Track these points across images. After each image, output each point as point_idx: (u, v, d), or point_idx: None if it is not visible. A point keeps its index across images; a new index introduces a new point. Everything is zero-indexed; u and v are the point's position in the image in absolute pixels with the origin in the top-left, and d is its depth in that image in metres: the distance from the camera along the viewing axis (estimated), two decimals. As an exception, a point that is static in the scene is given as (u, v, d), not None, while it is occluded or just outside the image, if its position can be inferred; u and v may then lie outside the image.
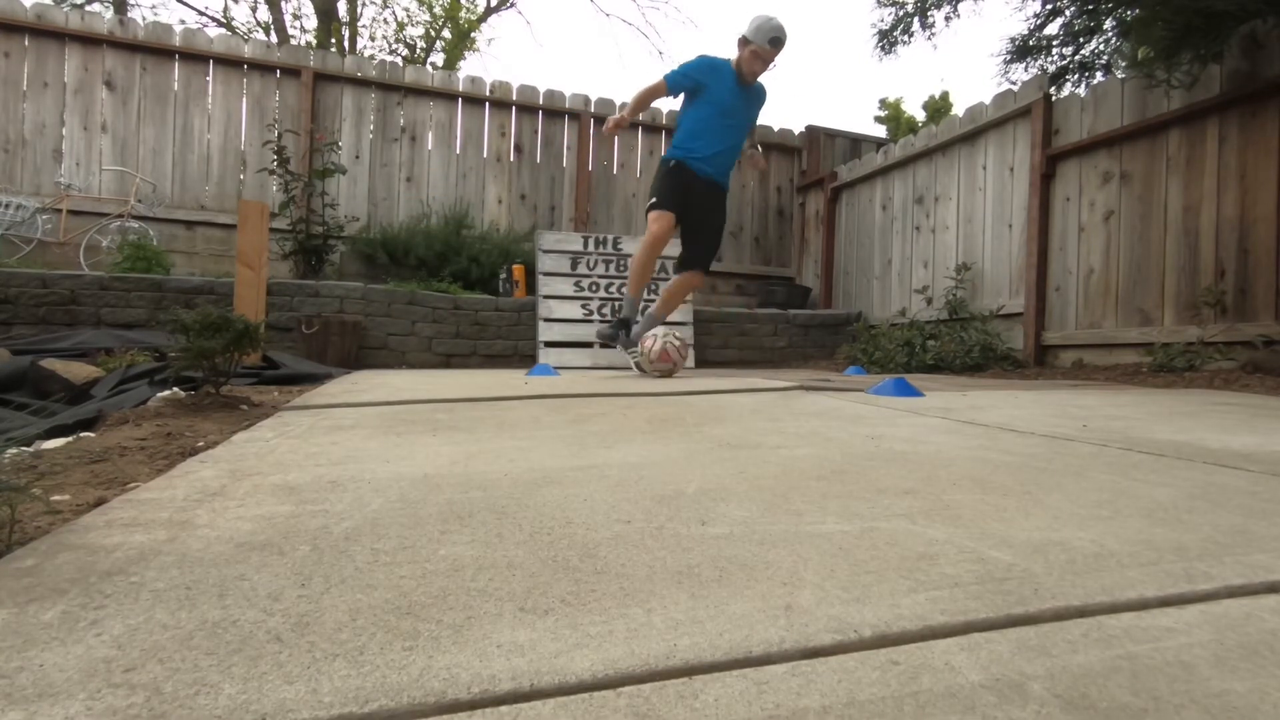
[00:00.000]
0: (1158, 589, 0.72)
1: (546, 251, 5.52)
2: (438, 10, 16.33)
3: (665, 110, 7.12)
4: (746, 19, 3.77)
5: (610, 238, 5.72)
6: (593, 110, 6.87)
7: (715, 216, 3.97)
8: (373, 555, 0.81)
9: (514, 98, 6.66)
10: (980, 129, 5.24)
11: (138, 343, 3.74)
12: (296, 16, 16.26)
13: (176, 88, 5.80)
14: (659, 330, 3.74)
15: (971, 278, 5.27)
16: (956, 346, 4.69)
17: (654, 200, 3.81)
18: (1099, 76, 4.95)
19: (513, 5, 17.70)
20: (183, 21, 15.17)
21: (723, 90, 3.81)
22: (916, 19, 5.49)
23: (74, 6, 9.52)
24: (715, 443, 1.60)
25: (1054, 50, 4.96)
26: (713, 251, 4.03)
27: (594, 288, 5.55)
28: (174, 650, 0.58)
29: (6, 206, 5.12)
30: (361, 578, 0.74)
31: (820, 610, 0.66)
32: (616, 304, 5.56)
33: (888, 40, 5.59)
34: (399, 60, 14.33)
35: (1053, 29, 4.96)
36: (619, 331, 3.96)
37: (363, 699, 0.51)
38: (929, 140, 5.75)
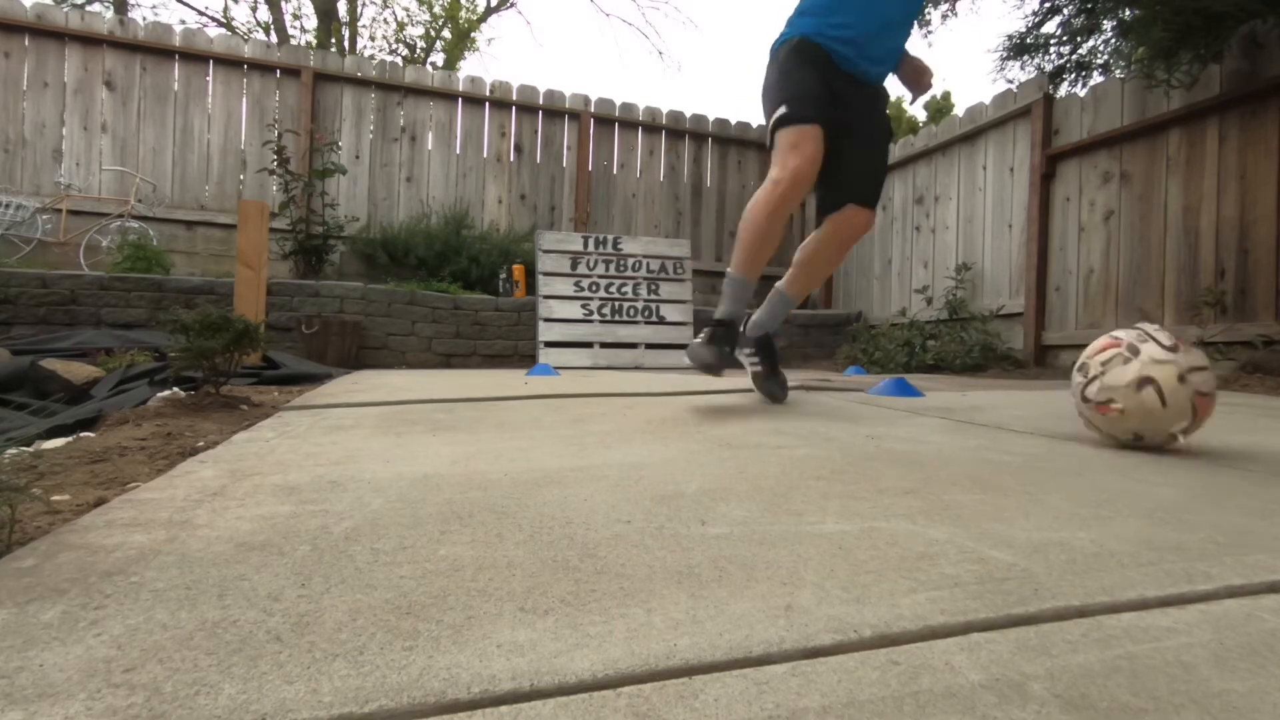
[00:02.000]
0: (1158, 589, 0.72)
1: (546, 251, 5.52)
2: (438, 10, 16.35)
3: (665, 110, 7.10)
4: None
5: (610, 238, 5.72)
6: (593, 110, 6.87)
7: (878, 132, 2.30)
8: (373, 555, 0.81)
9: (514, 98, 6.66)
10: (980, 129, 5.24)
11: (138, 343, 3.74)
12: (296, 16, 16.28)
13: (176, 88, 5.80)
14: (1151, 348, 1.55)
15: (971, 278, 5.27)
16: (956, 347, 4.70)
17: (783, 111, 2.12)
18: (1096, 76, 4.94)
19: (513, 5, 17.72)
20: (183, 21, 15.17)
21: None
22: (914, 17, 5.47)
23: (74, 6, 9.51)
24: (715, 442, 1.59)
25: (1051, 49, 4.95)
26: (879, 182, 2.31)
27: (594, 288, 5.54)
28: (174, 650, 0.58)
29: (6, 206, 5.12)
30: (361, 578, 0.74)
31: (820, 610, 0.66)
32: (616, 304, 5.56)
33: (886, 39, 5.55)
34: (399, 60, 14.34)
35: (1050, 27, 4.94)
36: (723, 348, 2.19)
37: (363, 699, 0.51)
38: (929, 140, 5.75)
